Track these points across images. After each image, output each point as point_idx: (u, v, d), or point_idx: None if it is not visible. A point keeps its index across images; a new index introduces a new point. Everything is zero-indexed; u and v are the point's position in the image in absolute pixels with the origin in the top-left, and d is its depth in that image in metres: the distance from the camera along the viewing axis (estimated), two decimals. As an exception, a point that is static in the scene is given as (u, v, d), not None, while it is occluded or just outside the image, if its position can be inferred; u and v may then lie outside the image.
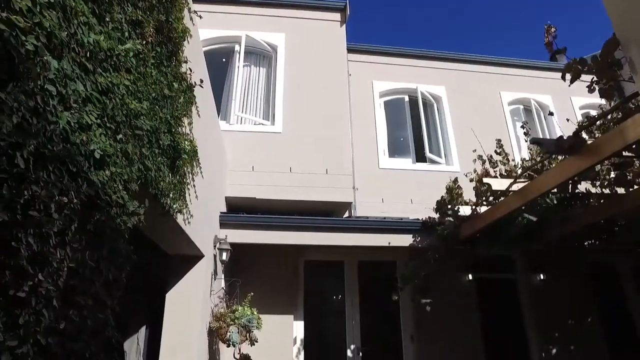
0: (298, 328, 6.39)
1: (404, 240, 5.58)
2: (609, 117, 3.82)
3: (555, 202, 4.58)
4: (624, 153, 3.52)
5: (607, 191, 4.25)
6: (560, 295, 6.92)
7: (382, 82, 8.31)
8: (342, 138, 6.81)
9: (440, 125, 8.25)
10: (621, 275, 7.47)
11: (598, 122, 3.93)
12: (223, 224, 5.45)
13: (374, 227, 5.51)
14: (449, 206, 4.87)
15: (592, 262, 7.29)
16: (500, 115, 8.43)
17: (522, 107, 8.89)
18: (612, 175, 4.12)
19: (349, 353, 6.39)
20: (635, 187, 4.14)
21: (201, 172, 4.04)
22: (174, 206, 2.97)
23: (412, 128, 8.16)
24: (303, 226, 5.40)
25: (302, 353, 6.29)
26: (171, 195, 2.87)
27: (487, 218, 4.69)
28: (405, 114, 8.32)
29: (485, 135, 6.09)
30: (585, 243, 5.96)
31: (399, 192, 7.08)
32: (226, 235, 5.22)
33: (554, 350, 6.64)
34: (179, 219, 3.19)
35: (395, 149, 7.97)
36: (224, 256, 4.97)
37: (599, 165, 4.20)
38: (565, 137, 3.39)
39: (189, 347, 4.21)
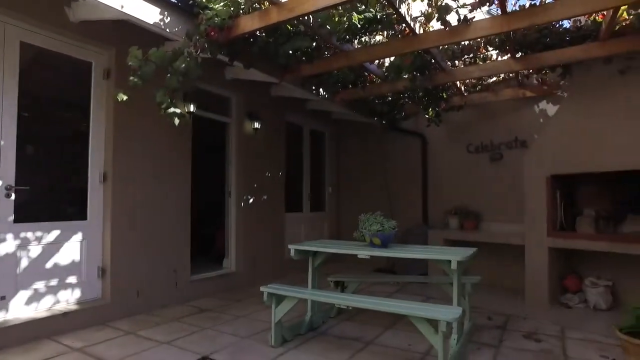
0: None
1: (146, 12, 3.34)
2: None
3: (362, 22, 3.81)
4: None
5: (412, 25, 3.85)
6: (264, 147, 6.66)
7: None
8: None
9: None
10: (303, 138, 8.05)
11: None
12: None
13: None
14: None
15: (289, 122, 7.43)
16: None
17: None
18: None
19: (-12, 196, 3.66)
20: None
21: None
22: None
23: None
24: None
25: None
26: None
27: (297, 8, 3.32)
28: None
29: None
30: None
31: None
32: None
33: (251, 200, 6.40)
34: None
35: None
36: None
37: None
38: None
39: None
